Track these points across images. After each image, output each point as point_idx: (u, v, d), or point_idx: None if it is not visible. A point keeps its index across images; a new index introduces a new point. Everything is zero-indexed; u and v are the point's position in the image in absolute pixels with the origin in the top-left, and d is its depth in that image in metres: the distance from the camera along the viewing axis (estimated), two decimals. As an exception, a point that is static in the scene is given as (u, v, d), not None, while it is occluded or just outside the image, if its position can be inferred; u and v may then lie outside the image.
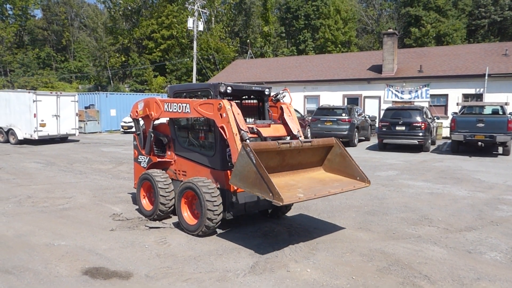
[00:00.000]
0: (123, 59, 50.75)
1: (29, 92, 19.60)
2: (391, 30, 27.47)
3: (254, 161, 4.82)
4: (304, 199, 5.10)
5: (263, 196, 4.84)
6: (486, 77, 22.08)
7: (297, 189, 5.33)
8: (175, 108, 6.45)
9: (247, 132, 5.59)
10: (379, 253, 5.31)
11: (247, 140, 5.50)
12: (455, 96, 23.05)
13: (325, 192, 5.38)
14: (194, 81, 38.36)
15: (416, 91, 24.36)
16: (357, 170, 6.02)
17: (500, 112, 16.26)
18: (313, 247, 5.52)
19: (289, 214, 7.07)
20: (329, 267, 4.85)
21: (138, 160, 7.61)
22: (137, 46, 51.87)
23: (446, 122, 21.81)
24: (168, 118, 6.94)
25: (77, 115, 21.20)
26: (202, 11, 40.29)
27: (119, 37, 50.27)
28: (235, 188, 5.71)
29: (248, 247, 5.47)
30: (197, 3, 38.01)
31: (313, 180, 5.87)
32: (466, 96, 23.09)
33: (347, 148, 15.92)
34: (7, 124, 20.16)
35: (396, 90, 25.01)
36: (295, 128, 6.41)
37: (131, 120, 7.25)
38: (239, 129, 5.52)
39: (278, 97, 6.74)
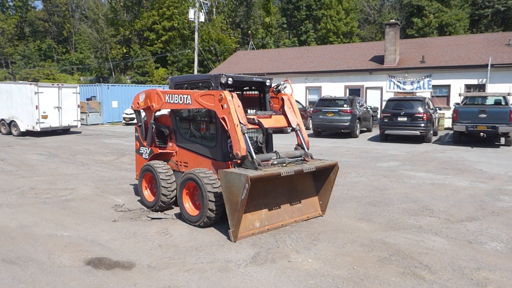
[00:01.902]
0: (125, 50, 50.61)
1: (30, 84, 19.58)
2: (393, 20, 27.30)
3: (243, 197, 5.04)
4: (256, 233, 5.59)
5: (228, 217, 5.29)
6: (489, 68, 21.97)
7: (262, 208, 5.75)
8: (176, 100, 6.44)
9: (246, 125, 5.58)
10: (380, 244, 5.33)
11: (246, 133, 5.51)
12: (457, 87, 22.97)
13: (279, 223, 5.89)
14: (195, 72, 38.27)
15: (418, 81, 24.28)
16: (326, 197, 6.44)
17: (503, 103, 16.19)
18: (314, 237, 5.55)
19: (290, 205, 7.09)
20: (330, 258, 4.88)
21: (140, 151, 7.63)
22: (138, 38, 51.69)
23: (448, 113, 21.75)
24: (169, 110, 6.94)
25: (79, 107, 21.21)
26: (203, 2, 40.09)
27: (120, 28, 50.08)
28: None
29: (250, 238, 5.49)
30: (198, -6, 37.80)
31: (286, 190, 6.09)
32: (468, 87, 22.99)
33: (348, 139, 15.85)
34: (9, 116, 20.20)
35: (398, 81, 24.92)
36: (294, 121, 6.40)
37: (132, 111, 7.25)
38: (239, 122, 5.52)
39: (279, 88, 6.72)
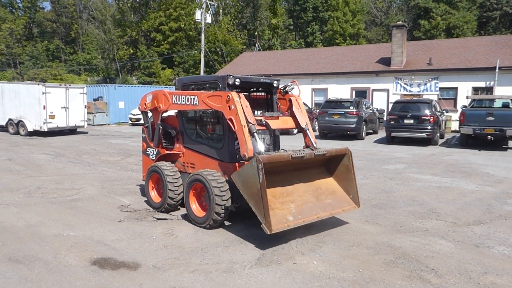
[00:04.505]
0: (131, 51, 50.84)
1: (38, 84, 19.72)
2: (400, 22, 27.19)
3: (261, 181, 4.87)
4: (292, 226, 5.25)
5: (256, 213, 5.01)
6: (497, 70, 21.81)
7: (289, 205, 5.48)
8: (183, 101, 6.45)
9: (255, 124, 5.58)
10: (386, 246, 5.31)
11: (256, 132, 5.50)
12: (464, 89, 22.82)
13: (314, 216, 5.56)
14: (201, 73, 38.36)
15: (425, 84, 24.16)
16: (354, 189, 6.17)
17: (511, 106, 16.07)
18: (320, 239, 5.53)
19: (296, 206, 7.08)
20: (336, 260, 4.86)
21: (147, 152, 7.65)
22: (145, 39, 51.92)
23: (455, 116, 21.62)
24: (176, 111, 6.95)
25: (85, 107, 21.33)
26: (210, 3, 40.18)
27: (127, 29, 50.33)
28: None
29: (255, 239, 5.49)
30: (205, -5, 37.90)
31: (309, 189, 5.94)
32: (476, 89, 22.85)
33: (354, 141, 15.79)
34: (17, 116, 20.35)
35: (404, 83, 24.82)
36: (303, 121, 6.39)
37: (139, 112, 7.26)
38: (247, 122, 5.51)
39: (286, 89, 6.72)
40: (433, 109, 16.40)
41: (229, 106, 5.58)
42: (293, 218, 5.31)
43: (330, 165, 6.31)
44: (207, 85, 6.61)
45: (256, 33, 48.40)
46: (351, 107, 18.48)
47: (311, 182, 6.05)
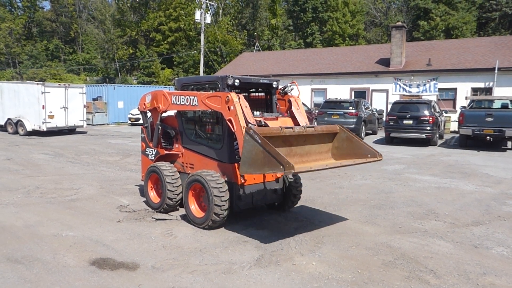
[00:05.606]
0: (131, 51, 50.82)
1: (37, 84, 19.70)
2: (399, 23, 27.16)
3: (260, 141, 4.77)
4: (315, 168, 5.13)
5: (275, 171, 4.76)
6: (496, 71, 21.83)
7: (308, 164, 5.40)
8: (182, 101, 6.45)
9: (255, 125, 5.58)
10: (385, 247, 5.31)
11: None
12: (464, 90, 22.83)
13: (337, 162, 5.46)
14: (201, 73, 38.33)
15: (424, 84, 24.17)
16: (367, 148, 5.93)
17: (510, 106, 16.09)
18: (319, 240, 5.53)
19: (295, 207, 7.09)
20: (335, 261, 4.86)
21: (146, 152, 7.65)
22: (144, 39, 51.90)
23: (455, 116, 21.64)
24: (175, 111, 6.95)
25: (85, 107, 21.31)
26: (209, 4, 40.17)
27: (127, 29, 50.31)
28: (243, 181, 5.72)
29: (254, 240, 5.49)
30: (204, -4, 37.89)
31: (325, 163, 5.86)
32: (475, 90, 22.86)
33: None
34: (16, 115, 20.33)
35: (404, 84, 24.84)
36: (303, 121, 6.38)
37: (138, 112, 7.26)
38: (247, 122, 5.51)
39: (286, 90, 6.72)
40: (432, 110, 16.42)
41: (228, 107, 5.58)
42: (314, 166, 5.23)
43: (334, 150, 6.21)
44: (207, 85, 6.60)
45: (255, 33, 48.40)
46: (350, 108, 18.50)
47: (323, 163, 5.94)
